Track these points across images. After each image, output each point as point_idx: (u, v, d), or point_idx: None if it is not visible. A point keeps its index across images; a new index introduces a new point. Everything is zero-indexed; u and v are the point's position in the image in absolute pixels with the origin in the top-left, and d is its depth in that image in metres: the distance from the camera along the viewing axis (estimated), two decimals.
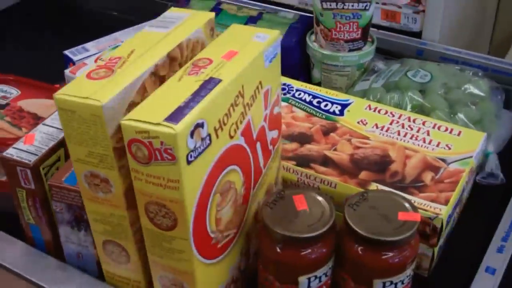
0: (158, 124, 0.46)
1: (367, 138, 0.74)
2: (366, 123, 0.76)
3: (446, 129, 0.75)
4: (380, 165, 0.70)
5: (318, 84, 0.94)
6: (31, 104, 0.83)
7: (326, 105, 0.80)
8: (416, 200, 0.65)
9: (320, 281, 0.58)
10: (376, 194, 0.61)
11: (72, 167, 0.58)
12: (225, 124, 0.52)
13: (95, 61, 0.87)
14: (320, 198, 0.59)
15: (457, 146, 0.72)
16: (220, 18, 1.00)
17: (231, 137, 0.53)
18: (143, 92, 0.52)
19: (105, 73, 0.51)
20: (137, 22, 0.98)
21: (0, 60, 1.07)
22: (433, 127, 0.75)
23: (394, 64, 0.91)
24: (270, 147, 0.63)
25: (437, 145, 0.72)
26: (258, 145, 0.59)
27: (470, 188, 0.74)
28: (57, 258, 0.65)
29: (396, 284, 0.57)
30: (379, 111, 0.78)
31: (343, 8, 0.87)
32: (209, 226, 0.53)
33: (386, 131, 0.75)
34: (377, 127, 0.76)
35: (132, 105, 0.50)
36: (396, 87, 0.85)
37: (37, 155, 0.62)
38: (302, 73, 0.97)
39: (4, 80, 0.87)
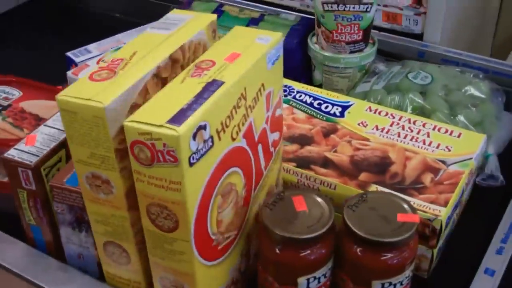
0: (161, 126, 0.46)
1: (367, 139, 0.74)
2: (367, 124, 0.76)
3: (446, 131, 0.75)
4: (380, 166, 0.70)
5: (320, 85, 0.94)
6: (33, 105, 0.83)
7: (326, 107, 0.80)
8: (415, 201, 0.65)
9: (319, 282, 0.58)
10: (375, 195, 0.62)
11: (73, 168, 0.59)
12: (227, 126, 0.52)
13: (97, 62, 0.87)
14: (319, 199, 0.59)
15: (457, 147, 0.72)
16: (222, 20, 1.00)
17: (233, 139, 0.53)
18: (145, 94, 0.52)
19: (107, 75, 0.51)
20: (139, 24, 0.98)
21: (2, 62, 1.08)
22: (433, 129, 0.75)
23: (395, 66, 0.91)
24: (272, 149, 0.63)
25: (437, 147, 0.72)
26: (260, 147, 0.59)
27: (470, 190, 0.74)
28: (58, 259, 0.65)
29: (395, 285, 0.58)
30: (379, 113, 0.78)
31: (344, 10, 0.87)
32: (210, 228, 0.53)
33: (387, 132, 0.75)
34: (377, 129, 0.76)
35: (134, 107, 0.50)
36: (397, 89, 0.85)
37: (38, 156, 0.62)
38: (303, 74, 0.97)
39: (6, 81, 0.87)
